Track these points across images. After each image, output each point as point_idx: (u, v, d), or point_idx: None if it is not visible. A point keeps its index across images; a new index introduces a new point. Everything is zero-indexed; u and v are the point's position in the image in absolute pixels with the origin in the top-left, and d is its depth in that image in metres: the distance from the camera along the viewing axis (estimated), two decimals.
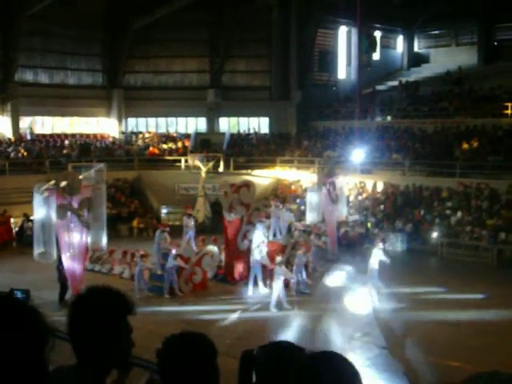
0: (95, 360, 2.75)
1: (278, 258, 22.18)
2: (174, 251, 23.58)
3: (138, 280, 23.34)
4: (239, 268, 25.64)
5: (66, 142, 43.68)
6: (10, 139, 41.22)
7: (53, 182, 22.45)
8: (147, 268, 24.09)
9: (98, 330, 2.76)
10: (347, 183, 35.81)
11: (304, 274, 24.39)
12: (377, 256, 22.55)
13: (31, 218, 32.21)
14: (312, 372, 2.28)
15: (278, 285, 21.56)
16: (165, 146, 45.52)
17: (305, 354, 2.65)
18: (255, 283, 23.98)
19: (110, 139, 46.89)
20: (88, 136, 46.47)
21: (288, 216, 31.11)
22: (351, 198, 36.74)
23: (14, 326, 1.94)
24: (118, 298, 2.89)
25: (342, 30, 51.01)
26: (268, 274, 23.76)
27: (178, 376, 2.78)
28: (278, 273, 21.59)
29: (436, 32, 55.57)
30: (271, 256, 24.03)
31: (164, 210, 39.22)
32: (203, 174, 39.08)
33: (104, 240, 28.97)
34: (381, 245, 23.27)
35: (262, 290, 23.75)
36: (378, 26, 52.78)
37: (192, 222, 30.92)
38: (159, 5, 44.56)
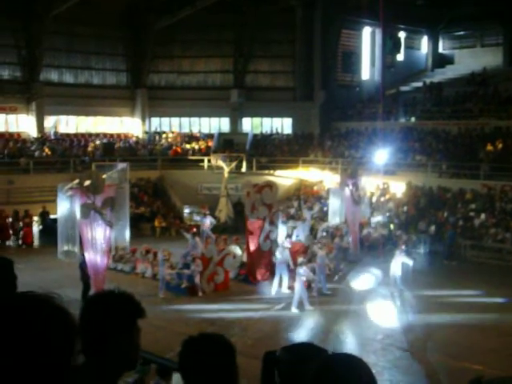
0: (105, 360, 2.78)
1: (300, 259, 22.15)
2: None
3: (161, 280, 23.44)
4: (261, 268, 25.64)
5: (98, 142, 44.07)
6: (34, 138, 41.57)
7: (77, 181, 22.62)
8: (169, 269, 24.21)
9: (110, 331, 2.79)
10: (370, 184, 35.69)
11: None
12: (399, 258, 22.42)
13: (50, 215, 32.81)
14: (328, 374, 2.28)
15: (299, 285, 21.52)
16: (188, 146, 45.67)
17: (325, 355, 2.65)
18: (280, 283, 23.93)
19: (134, 139, 47.11)
20: (112, 135, 46.72)
21: (309, 215, 31.11)
22: (374, 200, 36.61)
23: (45, 326, 1.95)
24: (130, 300, 2.92)
25: (366, 31, 50.87)
26: (291, 275, 23.73)
27: (197, 377, 2.81)
28: (299, 273, 21.55)
29: (461, 33, 55.11)
30: (294, 257, 24.03)
31: (186, 210, 39.32)
32: (226, 174, 39.18)
33: (127, 239, 29.20)
34: (403, 247, 23.16)
35: (285, 290, 23.65)
36: (402, 26, 52.51)
37: (208, 222, 31.13)
38: (182, 5, 44.68)
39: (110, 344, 2.78)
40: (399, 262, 22.28)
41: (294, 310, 21.30)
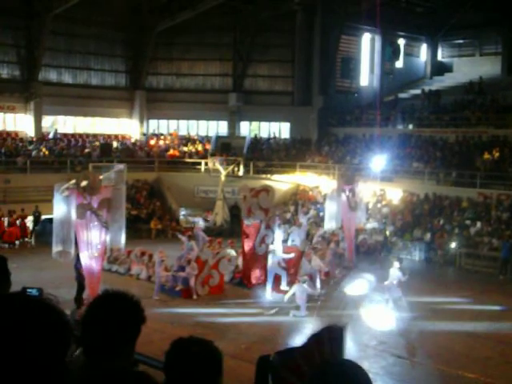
0: (105, 362, 2.79)
1: (304, 277, 22.08)
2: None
3: (157, 282, 23.43)
4: (256, 272, 25.64)
5: (96, 143, 44.18)
6: (32, 138, 41.49)
7: (73, 181, 22.57)
8: (164, 271, 24.17)
9: (112, 335, 2.80)
10: (367, 190, 35.62)
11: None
12: (394, 277, 21.96)
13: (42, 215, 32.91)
14: (326, 379, 2.27)
15: (301, 299, 21.45)
16: (185, 149, 45.62)
17: (320, 361, 2.65)
18: (274, 287, 23.94)
19: (132, 140, 47.06)
20: (109, 136, 46.66)
21: (305, 220, 31.11)
22: (370, 206, 36.58)
23: (40, 327, 1.94)
24: (134, 305, 2.94)
25: (366, 37, 50.95)
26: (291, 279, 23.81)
27: (180, 379, 2.81)
28: (300, 290, 21.46)
29: (460, 41, 55.22)
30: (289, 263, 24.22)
31: (182, 212, 39.31)
32: (223, 178, 39.15)
33: (123, 240, 29.12)
34: (397, 264, 22.57)
35: (284, 289, 23.59)
36: (401, 33, 52.60)
37: (201, 224, 31.16)
38: (182, 8, 44.71)
39: (116, 347, 2.80)
40: (395, 280, 21.87)
41: (292, 314, 21.29)
